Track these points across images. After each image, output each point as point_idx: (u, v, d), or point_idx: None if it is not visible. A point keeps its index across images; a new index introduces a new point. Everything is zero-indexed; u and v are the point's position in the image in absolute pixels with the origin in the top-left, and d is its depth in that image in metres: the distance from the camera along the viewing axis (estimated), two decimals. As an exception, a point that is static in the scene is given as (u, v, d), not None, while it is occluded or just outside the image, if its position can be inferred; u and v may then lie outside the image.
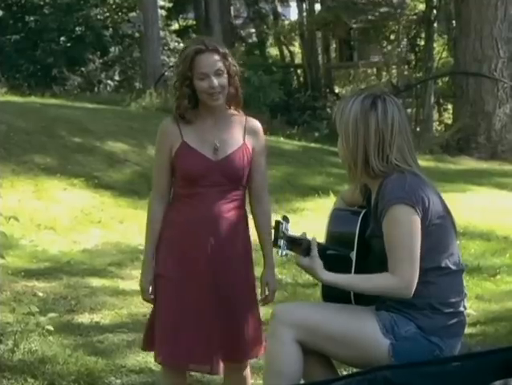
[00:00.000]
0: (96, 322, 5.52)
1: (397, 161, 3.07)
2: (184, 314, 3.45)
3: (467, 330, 3.39)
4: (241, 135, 3.52)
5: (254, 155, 3.53)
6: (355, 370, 3.54)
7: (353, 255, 3.16)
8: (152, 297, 3.54)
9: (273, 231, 3.24)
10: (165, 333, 3.46)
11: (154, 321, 3.54)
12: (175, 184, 3.55)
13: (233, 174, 3.47)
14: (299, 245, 3.25)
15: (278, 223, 3.22)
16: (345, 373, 3.92)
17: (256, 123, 3.59)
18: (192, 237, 3.46)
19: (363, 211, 3.22)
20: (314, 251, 3.12)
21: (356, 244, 3.17)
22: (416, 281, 2.97)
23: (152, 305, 3.61)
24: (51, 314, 5.09)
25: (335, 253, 3.22)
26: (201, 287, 3.45)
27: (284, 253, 3.20)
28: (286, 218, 3.23)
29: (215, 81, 3.39)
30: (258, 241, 3.65)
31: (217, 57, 3.41)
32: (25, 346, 4.71)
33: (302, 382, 3.14)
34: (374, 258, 3.14)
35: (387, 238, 3.01)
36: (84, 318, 5.59)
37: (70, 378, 4.40)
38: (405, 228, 2.97)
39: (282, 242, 3.19)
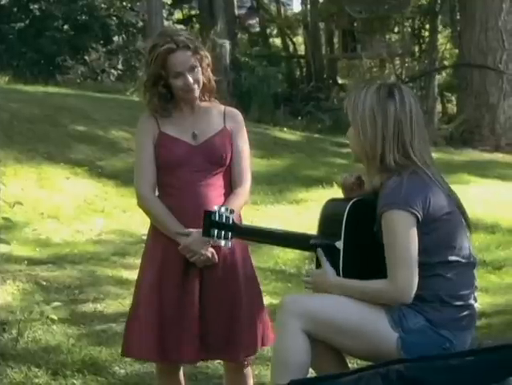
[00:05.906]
0: (100, 312, 5.51)
1: (414, 154, 3.01)
2: (172, 311, 3.38)
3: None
4: (221, 120, 3.50)
5: (234, 140, 3.48)
6: (360, 361, 3.53)
7: (340, 244, 3.02)
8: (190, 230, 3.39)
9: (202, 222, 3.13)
10: (153, 332, 3.38)
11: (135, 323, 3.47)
12: (158, 178, 3.48)
13: (215, 156, 3.43)
14: (251, 234, 3.28)
15: (207, 213, 3.12)
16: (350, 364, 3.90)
17: (235, 111, 3.58)
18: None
19: (354, 199, 3.09)
20: (327, 264, 3.08)
21: (344, 233, 3.01)
22: (413, 286, 2.93)
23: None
24: (55, 303, 5.08)
25: (320, 243, 3.10)
26: (190, 284, 3.38)
27: (219, 241, 3.12)
28: (226, 208, 3.16)
29: (190, 78, 3.38)
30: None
31: (188, 53, 3.39)
32: (29, 335, 4.70)
33: (310, 373, 3.12)
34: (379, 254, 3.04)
35: (384, 243, 2.97)
36: (88, 308, 5.58)
37: (74, 367, 4.39)
38: (399, 235, 2.93)
39: (215, 232, 3.11)
